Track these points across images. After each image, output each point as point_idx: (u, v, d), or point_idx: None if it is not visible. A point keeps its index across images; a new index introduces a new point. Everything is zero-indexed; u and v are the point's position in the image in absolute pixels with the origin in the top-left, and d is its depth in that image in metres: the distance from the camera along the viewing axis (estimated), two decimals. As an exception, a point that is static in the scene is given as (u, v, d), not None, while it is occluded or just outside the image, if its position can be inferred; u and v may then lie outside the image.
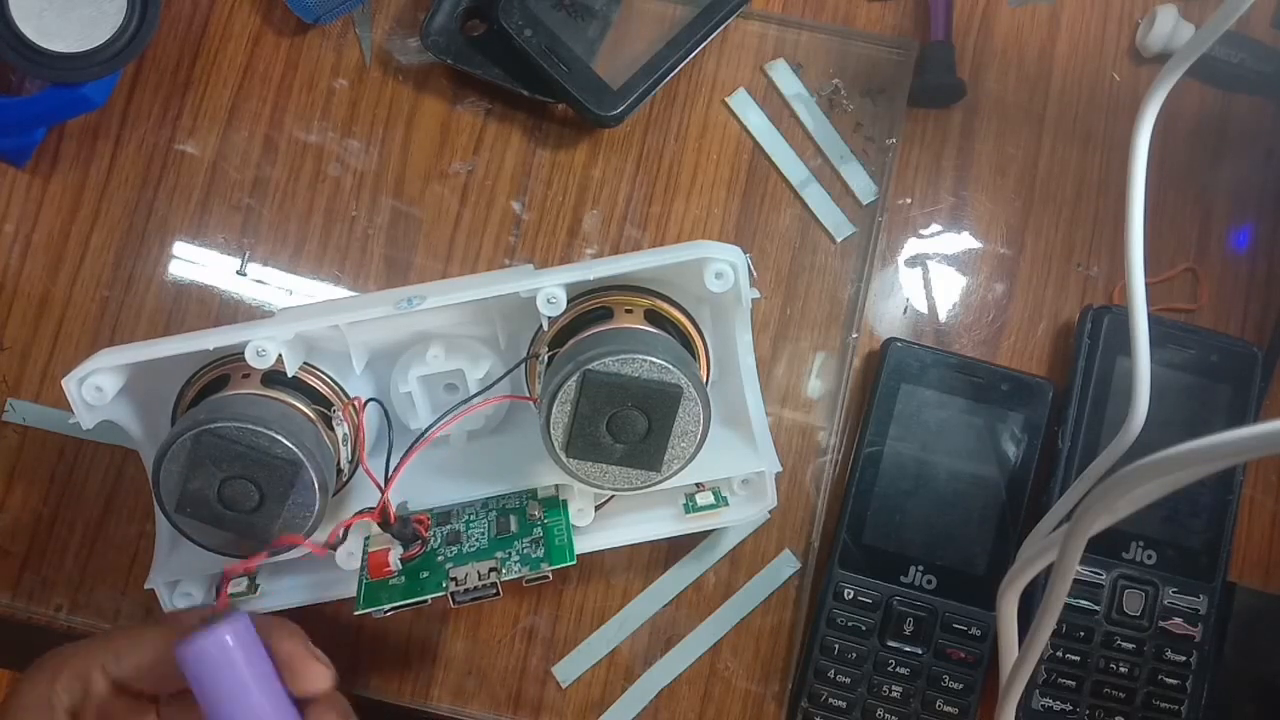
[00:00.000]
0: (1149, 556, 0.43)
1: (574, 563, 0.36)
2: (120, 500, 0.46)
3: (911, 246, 0.47)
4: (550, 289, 0.36)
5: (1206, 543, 0.43)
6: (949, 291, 0.47)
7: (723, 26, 0.46)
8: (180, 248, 0.47)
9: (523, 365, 0.40)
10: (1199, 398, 0.44)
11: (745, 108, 0.47)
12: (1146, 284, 0.38)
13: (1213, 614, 0.43)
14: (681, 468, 0.36)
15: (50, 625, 0.45)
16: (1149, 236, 0.38)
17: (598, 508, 0.40)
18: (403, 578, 0.37)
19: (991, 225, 0.47)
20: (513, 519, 0.38)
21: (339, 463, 0.38)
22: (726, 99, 0.47)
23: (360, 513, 0.36)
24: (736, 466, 0.40)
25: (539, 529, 0.37)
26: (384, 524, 0.36)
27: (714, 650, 0.45)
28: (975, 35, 0.48)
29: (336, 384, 0.39)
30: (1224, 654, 0.43)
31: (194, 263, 0.47)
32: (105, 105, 0.46)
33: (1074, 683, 0.43)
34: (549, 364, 0.38)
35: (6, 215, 0.47)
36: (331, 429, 0.38)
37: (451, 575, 0.36)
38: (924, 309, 0.47)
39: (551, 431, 0.34)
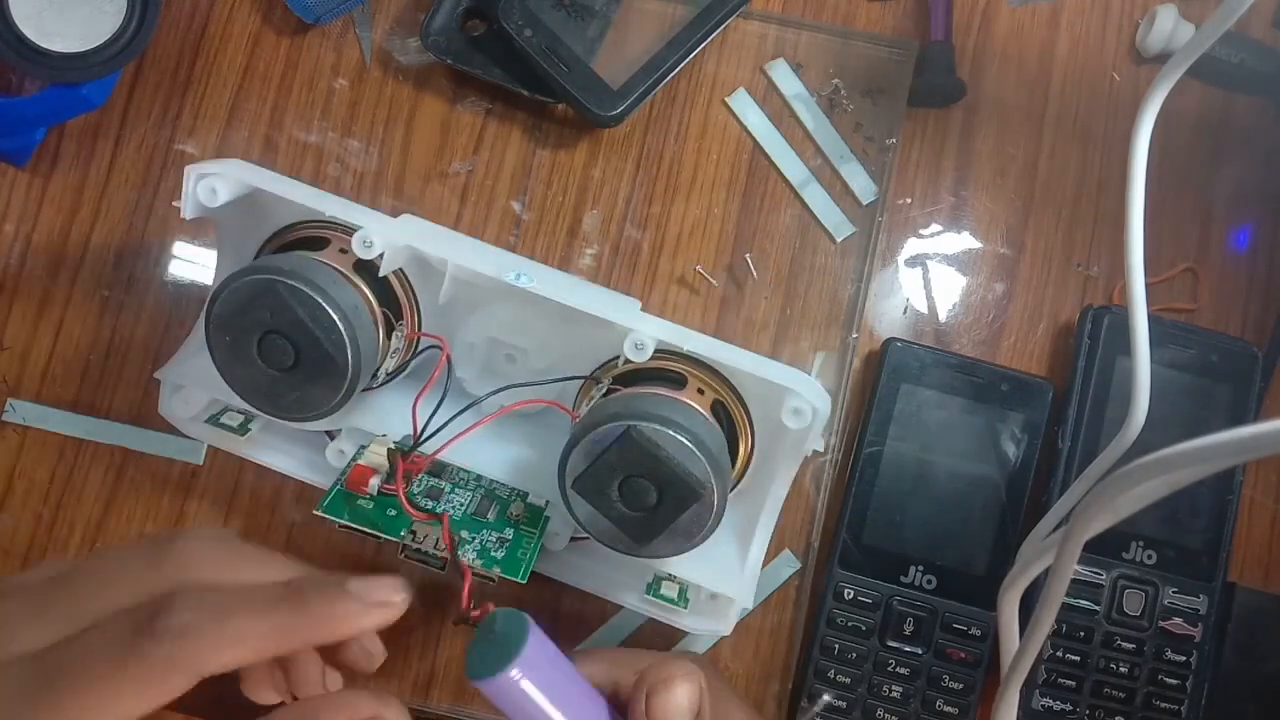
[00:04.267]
0: (1149, 556, 0.43)
1: (524, 582, 0.36)
2: (120, 500, 0.46)
3: (911, 246, 0.47)
4: (643, 336, 0.36)
5: (1206, 543, 0.43)
6: (949, 291, 0.47)
7: (723, 26, 0.46)
8: (180, 248, 0.47)
9: (579, 380, 0.40)
10: (1199, 398, 0.44)
11: (745, 108, 0.47)
12: (1146, 284, 0.38)
13: (1213, 614, 0.43)
14: (664, 556, 0.36)
15: (50, 625, 0.45)
16: (1149, 236, 0.38)
17: (574, 539, 0.40)
18: (372, 503, 0.37)
19: (991, 225, 0.47)
20: (494, 507, 0.38)
21: (377, 370, 0.39)
22: (726, 99, 0.47)
23: (403, 456, 0.36)
24: (714, 580, 0.39)
25: (511, 530, 0.37)
26: (393, 459, 0.37)
27: (714, 650, 0.45)
28: (975, 35, 0.48)
29: (416, 301, 0.40)
30: (1224, 654, 0.43)
31: (194, 263, 0.47)
32: (105, 105, 0.46)
33: (1074, 683, 0.43)
34: (605, 394, 0.38)
35: (6, 215, 0.47)
36: (389, 338, 0.39)
37: (413, 528, 0.36)
38: (924, 309, 0.47)
39: (571, 458, 0.34)
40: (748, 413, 0.39)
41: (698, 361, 0.39)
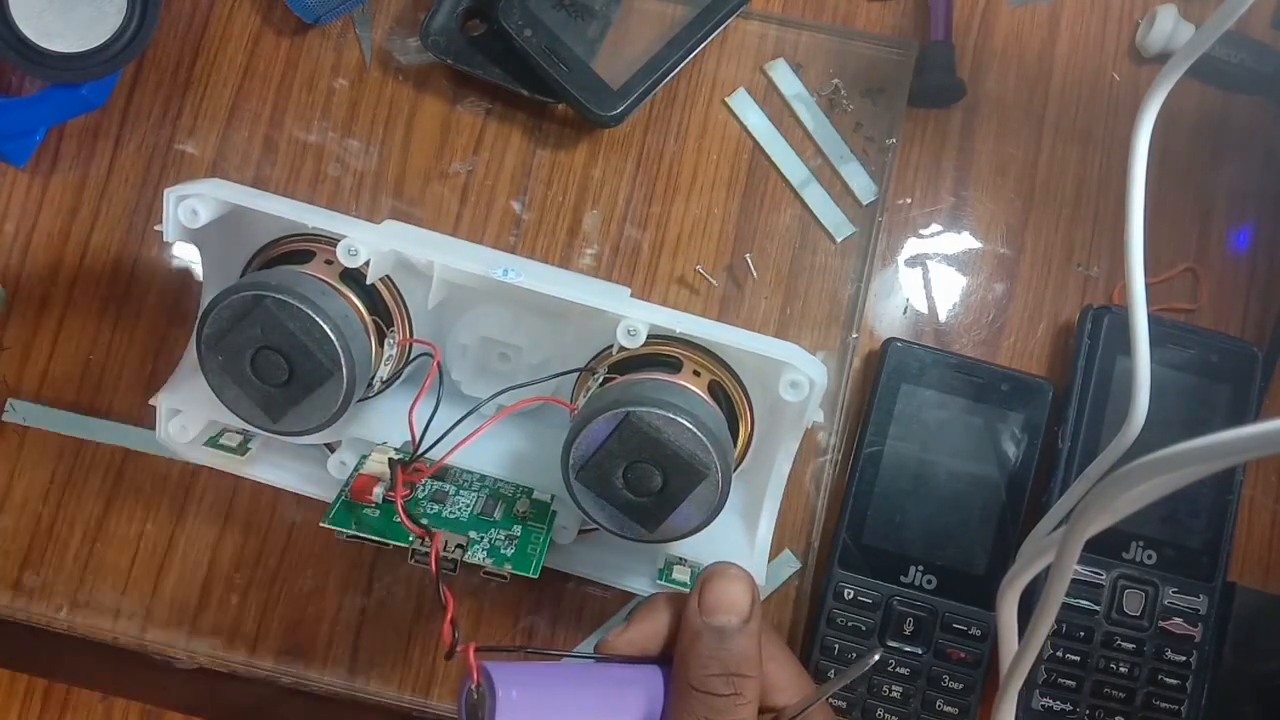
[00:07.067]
0: (1149, 556, 0.43)
1: (536, 577, 0.36)
2: (120, 500, 0.46)
3: (911, 246, 0.47)
4: (635, 322, 0.36)
5: (1206, 543, 0.43)
6: (949, 291, 0.47)
7: (723, 26, 0.46)
8: (180, 248, 0.47)
9: (575, 373, 0.40)
10: (1199, 398, 0.44)
11: (745, 108, 0.47)
12: (1146, 284, 0.38)
13: (1213, 614, 0.43)
14: (672, 539, 0.36)
15: (50, 625, 0.45)
16: (1149, 236, 0.38)
17: (583, 531, 0.40)
18: (378, 511, 0.36)
19: (991, 225, 0.47)
20: (500, 506, 0.38)
21: (372, 378, 0.39)
22: (726, 99, 0.47)
23: (403, 468, 0.36)
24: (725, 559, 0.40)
25: (519, 527, 0.37)
26: (397, 465, 0.37)
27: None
28: (975, 35, 0.48)
29: (405, 307, 0.40)
30: (1224, 654, 0.43)
31: (194, 262, 0.47)
32: (105, 105, 0.46)
33: (1074, 683, 0.43)
34: (601, 384, 0.38)
35: (6, 215, 0.47)
36: (381, 345, 0.39)
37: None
38: (924, 309, 0.47)
39: (573, 450, 0.34)
40: (745, 392, 0.39)
41: (692, 344, 0.39)
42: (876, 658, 0.32)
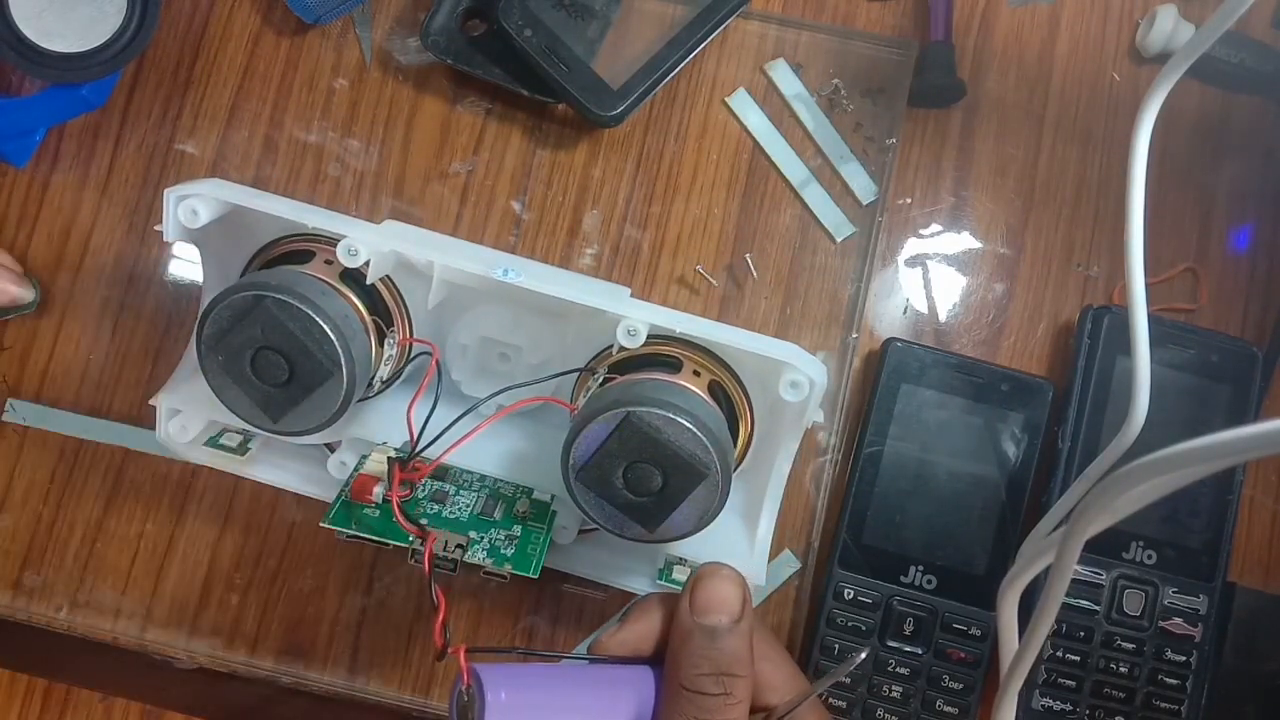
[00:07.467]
0: (1149, 556, 0.43)
1: (536, 577, 0.36)
2: (120, 500, 0.46)
3: (911, 246, 0.47)
4: (635, 322, 0.36)
5: (1206, 543, 0.43)
6: (949, 291, 0.47)
7: (723, 26, 0.46)
8: (180, 248, 0.47)
9: (575, 373, 0.40)
10: (1199, 398, 0.44)
11: (745, 108, 0.47)
12: (1146, 284, 0.38)
13: (1213, 614, 0.43)
14: (672, 539, 0.36)
15: (50, 625, 0.45)
16: (1149, 236, 0.38)
17: (583, 531, 0.40)
18: (377, 511, 0.36)
19: (991, 225, 0.47)
20: (499, 505, 0.38)
21: (372, 378, 0.39)
22: (726, 99, 0.47)
23: (401, 466, 0.36)
24: (725, 560, 0.40)
25: (519, 527, 0.37)
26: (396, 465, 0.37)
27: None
28: (975, 35, 0.48)
29: (405, 307, 0.40)
30: (1224, 654, 0.43)
31: (194, 263, 0.47)
32: (105, 105, 0.46)
33: (1074, 683, 0.43)
34: (601, 384, 0.38)
35: (6, 215, 0.47)
36: (381, 345, 0.39)
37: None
38: (924, 309, 0.47)
39: (573, 450, 0.34)
40: (745, 392, 0.39)
41: (692, 344, 0.39)
42: (864, 655, 0.32)
